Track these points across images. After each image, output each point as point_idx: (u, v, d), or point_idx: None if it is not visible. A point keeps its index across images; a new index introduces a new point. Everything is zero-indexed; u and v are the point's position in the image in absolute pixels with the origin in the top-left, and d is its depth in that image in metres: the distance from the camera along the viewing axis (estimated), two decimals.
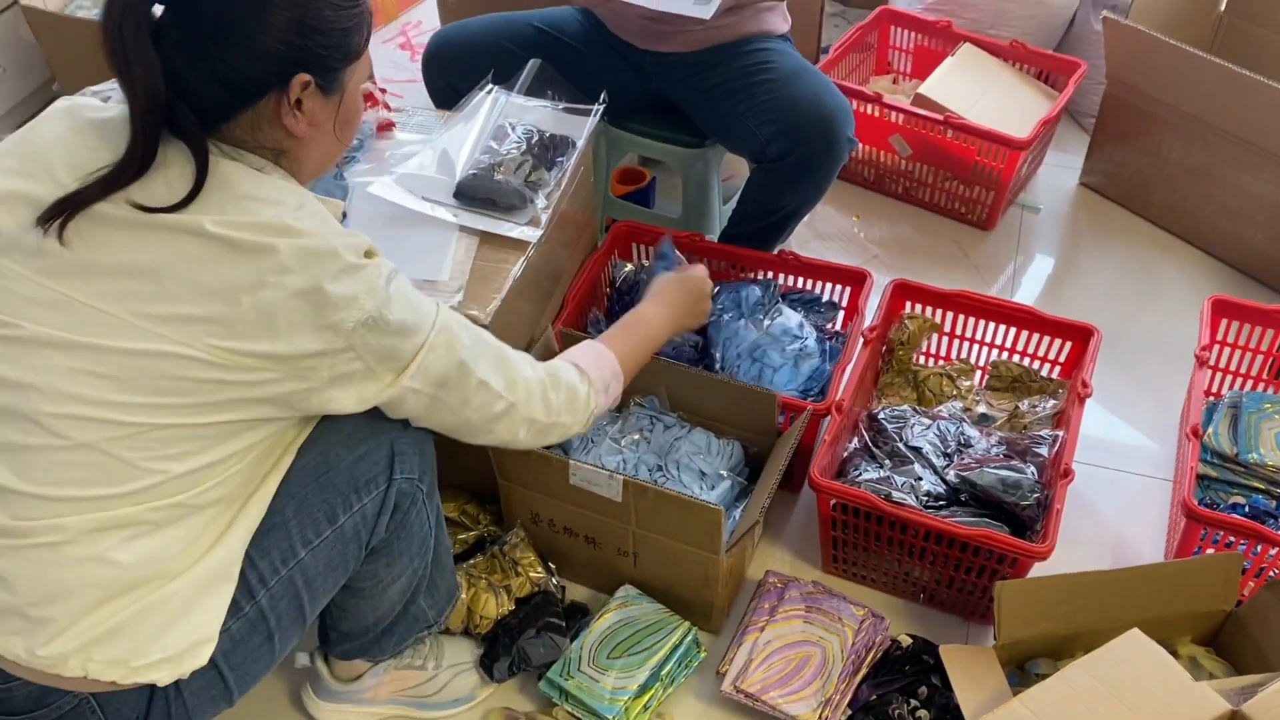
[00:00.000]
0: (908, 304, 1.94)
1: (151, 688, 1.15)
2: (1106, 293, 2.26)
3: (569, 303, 1.87)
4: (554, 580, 1.73)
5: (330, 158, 1.25)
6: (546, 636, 1.63)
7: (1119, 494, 1.87)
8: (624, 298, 2.01)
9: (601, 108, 1.86)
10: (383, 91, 1.92)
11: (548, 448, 1.56)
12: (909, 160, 2.40)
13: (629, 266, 2.03)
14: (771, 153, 1.90)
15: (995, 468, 1.63)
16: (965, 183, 2.35)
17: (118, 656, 1.10)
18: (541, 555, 1.74)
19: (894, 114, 2.33)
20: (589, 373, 1.37)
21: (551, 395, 1.31)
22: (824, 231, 2.42)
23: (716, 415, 1.76)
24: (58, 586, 1.08)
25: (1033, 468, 1.64)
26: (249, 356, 1.08)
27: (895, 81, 2.63)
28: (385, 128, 1.87)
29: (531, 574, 1.69)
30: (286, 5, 1.09)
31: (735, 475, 1.72)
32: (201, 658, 1.15)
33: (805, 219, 2.39)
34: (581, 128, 1.85)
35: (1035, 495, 1.60)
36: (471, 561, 1.72)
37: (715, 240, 2.16)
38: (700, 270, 1.68)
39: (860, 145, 2.46)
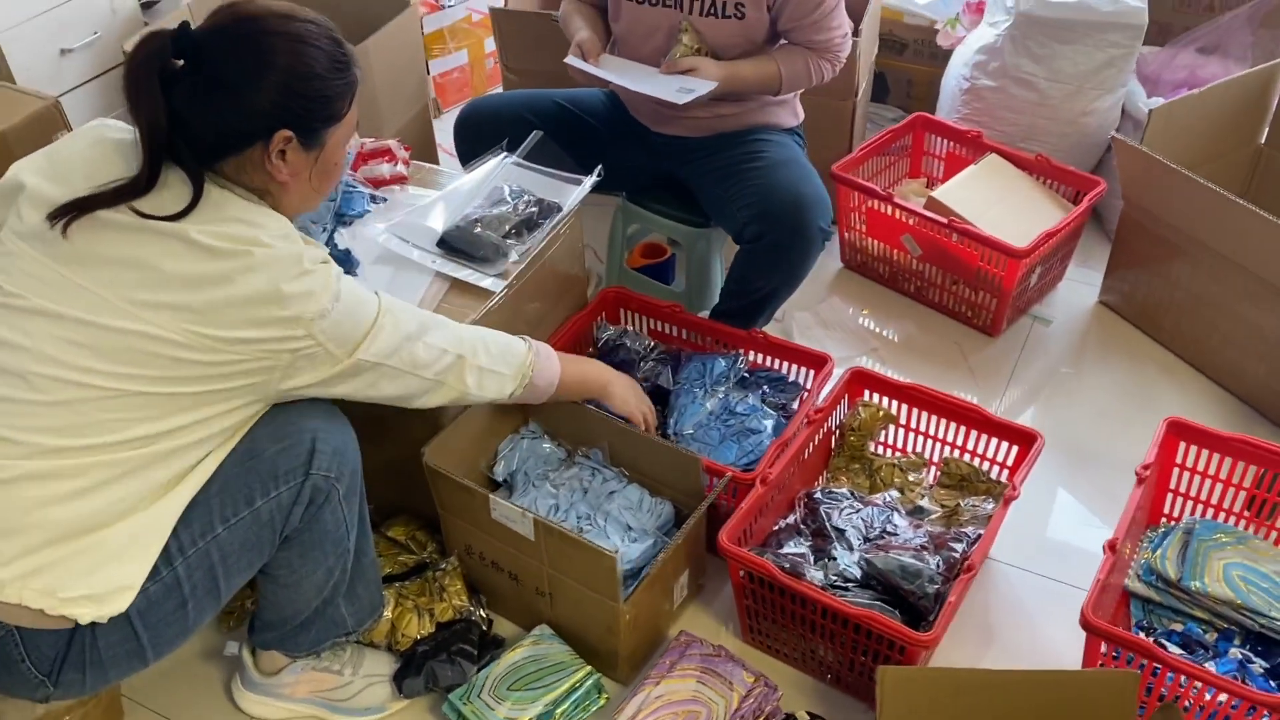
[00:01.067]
0: (866, 392, 1.98)
1: (71, 632, 1.30)
2: (1100, 410, 2.24)
3: None
4: (481, 611, 1.83)
5: (309, 202, 1.46)
6: (457, 661, 1.72)
7: (1052, 601, 1.85)
8: (605, 359, 2.11)
9: (593, 180, 1.99)
10: (407, 149, 2.12)
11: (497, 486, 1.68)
12: (919, 260, 2.45)
13: (611, 329, 2.14)
14: (748, 235, 2.00)
15: (901, 555, 1.65)
16: (971, 287, 2.38)
17: (48, 587, 1.27)
18: (471, 585, 1.84)
19: (904, 214, 2.39)
20: (532, 344, 1.62)
21: (491, 342, 1.55)
22: (829, 319, 2.48)
23: (652, 474, 1.84)
24: (12, 524, 1.26)
25: (941, 560, 1.65)
26: (219, 341, 1.29)
27: (928, 186, 2.69)
28: (398, 180, 2.05)
29: (455, 601, 1.79)
30: (281, 71, 1.31)
31: (661, 534, 1.79)
32: (121, 604, 1.31)
33: (813, 306, 2.48)
34: (573, 193, 1.99)
35: (934, 586, 1.61)
36: (405, 582, 1.83)
37: (707, 315, 2.26)
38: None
39: (875, 242, 2.52)
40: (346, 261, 1.81)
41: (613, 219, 2.44)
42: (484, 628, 1.81)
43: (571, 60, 2.06)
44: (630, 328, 2.16)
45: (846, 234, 2.58)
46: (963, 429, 1.93)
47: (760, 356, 2.08)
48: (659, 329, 2.17)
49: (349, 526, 1.52)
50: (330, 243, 1.84)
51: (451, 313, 1.76)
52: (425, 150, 2.77)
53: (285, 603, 1.59)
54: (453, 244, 1.86)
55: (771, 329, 2.39)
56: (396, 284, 1.82)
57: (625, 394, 1.81)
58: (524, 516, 1.65)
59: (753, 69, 2.04)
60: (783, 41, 2.09)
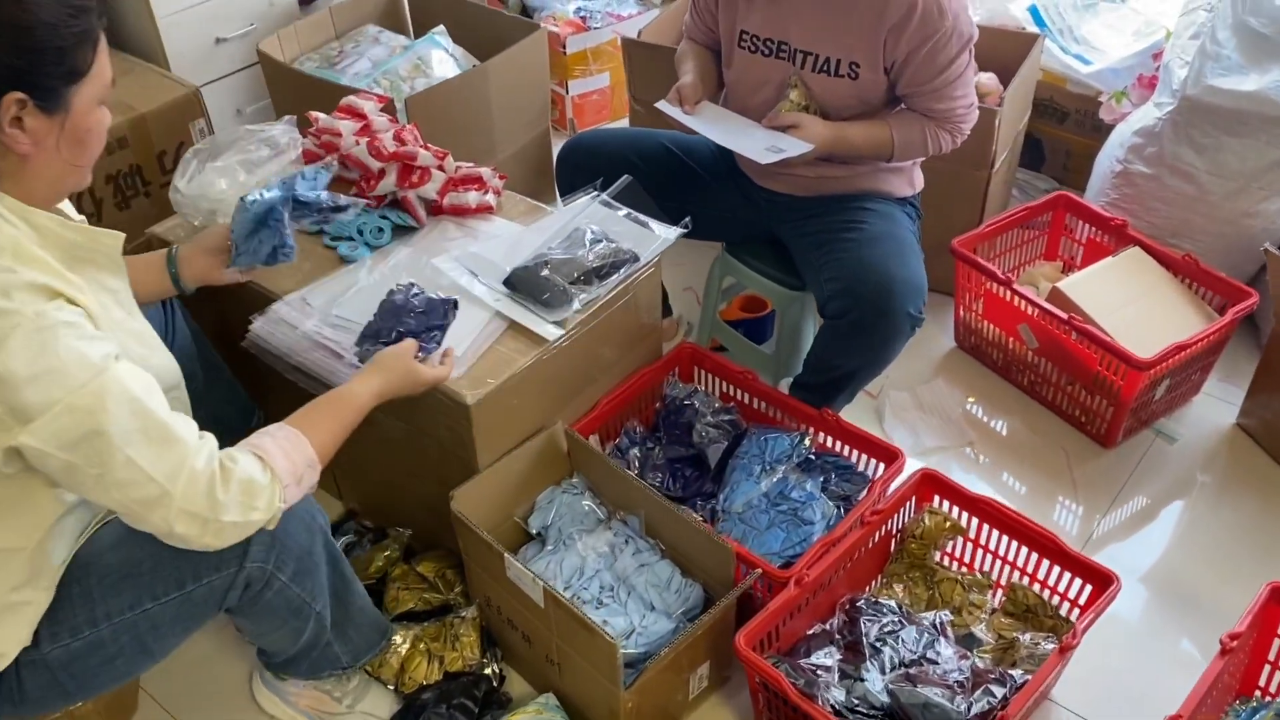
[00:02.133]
0: (935, 498, 1.82)
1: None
2: (1212, 550, 2.00)
3: (600, 407, 1.92)
4: (494, 666, 1.77)
5: (65, 179, 1.25)
6: (455, 716, 1.67)
7: None
8: (671, 417, 2.03)
9: (678, 233, 1.91)
10: (501, 178, 2.08)
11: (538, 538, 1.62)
12: (1035, 354, 2.25)
13: (681, 388, 2.04)
14: (830, 309, 1.88)
15: (932, 690, 1.50)
16: (1088, 391, 2.17)
17: None
18: (487, 637, 1.78)
19: (1023, 302, 2.21)
20: (275, 465, 1.29)
21: (220, 492, 1.23)
22: (928, 403, 2.31)
23: (686, 553, 1.74)
24: None
25: (975, 705, 1.49)
26: None
27: (1064, 270, 2.48)
28: (484, 210, 2.01)
29: (466, 654, 1.74)
30: None
31: (685, 618, 1.69)
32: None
33: (914, 386, 2.32)
34: (655, 244, 1.91)
35: None
36: (424, 625, 1.79)
37: (789, 384, 2.14)
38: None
39: (991, 326, 2.34)
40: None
41: (710, 268, 2.34)
42: (494, 683, 1.76)
43: (664, 105, 1.98)
44: (701, 388, 2.06)
45: (962, 313, 2.41)
46: (1034, 555, 1.74)
47: (829, 439, 1.95)
48: (731, 393, 2.06)
49: (308, 599, 1.48)
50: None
51: (501, 357, 1.71)
52: (543, 173, 2.74)
53: (264, 642, 1.59)
54: (518, 284, 1.81)
55: (861, 405, 2.26)
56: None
57: (398, 389, 1.53)
58: (535, 583, 1.58)
59: (863, 133, 1.92)
60: (902, 106, 1.95)
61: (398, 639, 1.75)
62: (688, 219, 1.92)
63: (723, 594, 1.70)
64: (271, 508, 1.29)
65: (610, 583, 1.72)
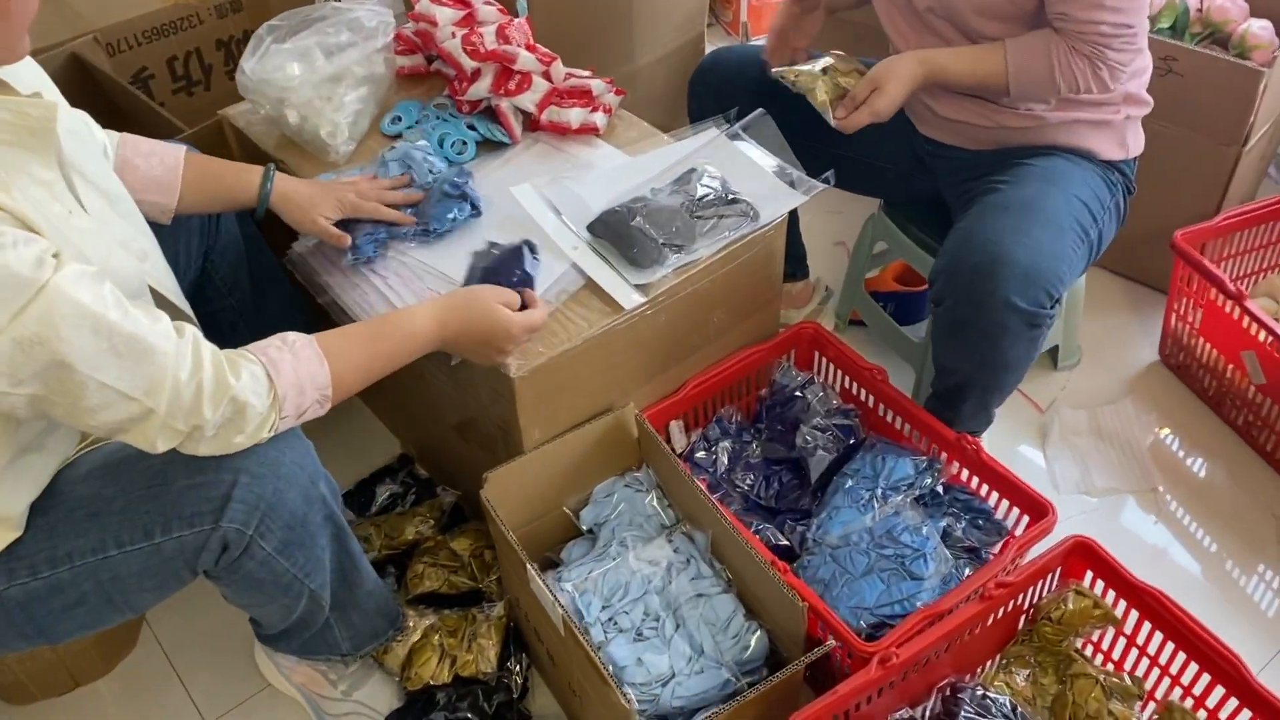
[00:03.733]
0: (1088, 574, 1.42)
1: None
2: None
3: (687, 389, 1.60)
4: (518, 677, 1.51)
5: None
6: None
7: None
8: (777, 409, 1.68)
9: (817, 188, 1.54)
10: (618, 93, 1.74)
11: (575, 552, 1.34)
12: (1259, 390, 1.77)
13: (796, 376, 1.69)
14: (932, 294, 1.48)
15: None
16: None
17: None
18: (509, 645, 1.52)
19: (1253, 324, 1.72)
20: (281, 390, 1.12)
21: (208, 408, 1.06)
22: (1109, 428, 1.87)
23: (756, 591, 1.41)
24: None
25: None
26: None
27: None
28: (587, 132, 1.68)
29: (481, 660, 1.49)
30: None
31: (740, 670, 1.37)
32: None
33: (1096, 403, 1.88)
34: (782, 201, 1.54)
35: None
36: (445, 613, 1.54)
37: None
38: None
39: (1207, 345, 1.85)
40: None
41: (863, 226, 1.94)
42: (514, 694, 1.50)
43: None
44: (819, 378, 1.70)
45: (1174, 323, 1.93)
46: (1206, 676, 1.33)
47: (965, 471, 1.56)
48: (854, 390, 1.69)
49: (299, 575, 1.25)
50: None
51: (570, 319, 1.40)
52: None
53: (251, 614, 1.37)
54: (603, 231, 1.49)
55: (1022, 417, 1.84)
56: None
57: (464, 352, 1.33)
58: (555, 606, 1.29)
59: (962, 59, 1.51)
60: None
61: (410, 623, 1.51)
62: (830, 173, 1.54)
63: (792, 650, 1.37)
64: (256, 437, 1.12)
65: (658, 610, 1.41)
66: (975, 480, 1.55)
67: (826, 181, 1.54)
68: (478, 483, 1.55)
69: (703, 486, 1.43)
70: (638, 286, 1.44)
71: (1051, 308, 1.41)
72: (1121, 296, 2.12)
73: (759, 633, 1.39)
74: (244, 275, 1.65)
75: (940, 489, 1.54)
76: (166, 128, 1.83)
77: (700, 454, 1.64)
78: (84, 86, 2.01)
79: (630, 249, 1.45)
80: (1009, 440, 1.85)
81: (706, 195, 1.52)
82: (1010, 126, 1.57)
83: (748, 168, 1.60)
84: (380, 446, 1.89)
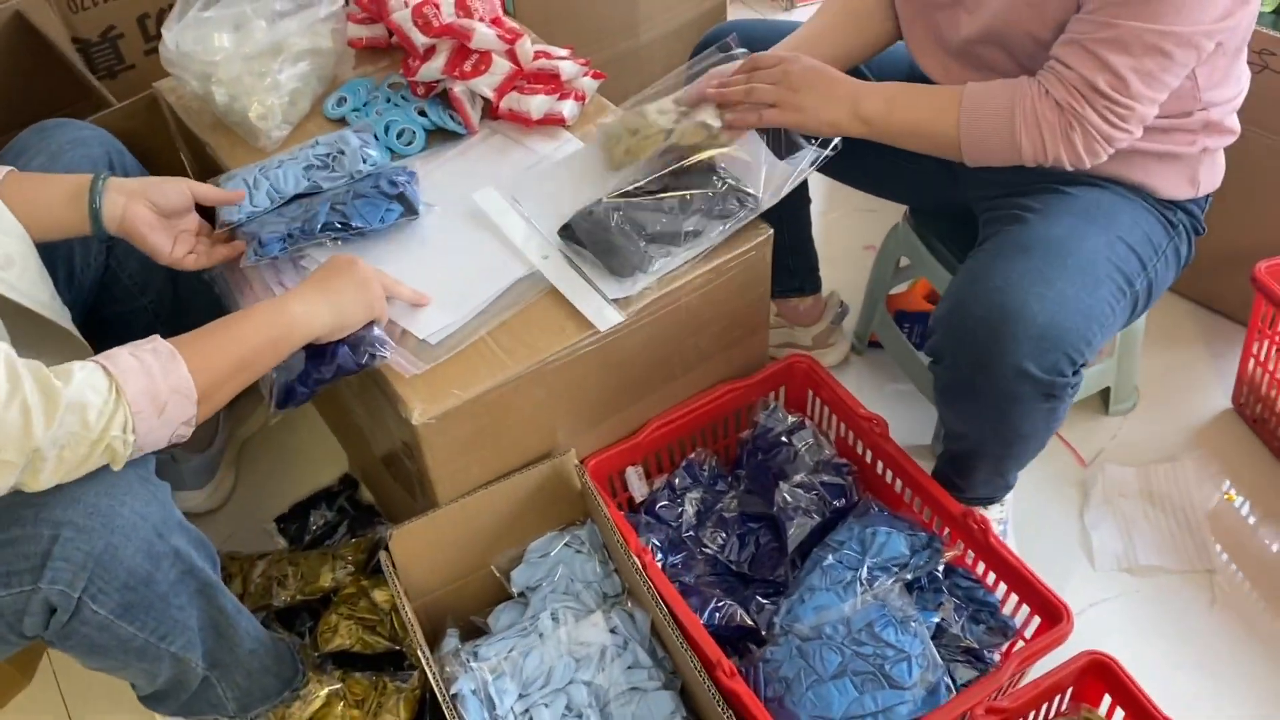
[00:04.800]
0: (1105, 699, 1.16)
1: None
2: None
3: (648, 430, 1.36)
4: None
5: None
6: None
7: None
8: (759, 455, 1.44)
9: (817, 159, 1.28)
10: (593, 75, 1.49)
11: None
12: None
13: (781, 419, 1.44)
14: (929, 347, 1.21)
15: None
16: None
17: None
18: (432, 712, 1.32)
19: None
20: (124, 380, 0.95)
21: (39, 427, 0.89)
22: (1163, 492, 1.58)
23: (694, 693, 1.18)
24: None
25: None
26: None
27: None
28: (551, 123, 1.44)
29: None
30: None
31: None
32: None
33: (1150, 460, 1.60)
34: (778, 185, 1.30)
35: None
36: (360, 675, 1.35)
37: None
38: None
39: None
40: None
41: (885, 240, 1.67)
42: None
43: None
44: (812, 422, 1.45)
45: (1251, 367, 1.62)
46: None
47: (967, 551, 1.30)
48: (849, 440, 1.43)
49: (152, 639, 1.07)
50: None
51: (519, 338, 1.19)
52: None
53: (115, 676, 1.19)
54: (580, 233, 1.26)
55: (1060, 471, 1.57)
56: (467, 270, 1.26)
57: (343, 312, 1.14)
58: (449, 707, 1.09)
59: (901, 99, 1.24)
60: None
61: (313, 685, 1.32)
62: (838, 141, 1.27)
63: None
64: (113, 446, 0.95)
65: (582, 705, 1.20)
66: (981, 565, 1.29)
67: (836, 148, 1.28)
68: (406, 517, 1.35)
69: (641, 560, 1.20)
70: (614, 302, 1.21)
71: (1075, 374, 1.14)
72: (1192, 327, 1.81)
73: None
74: (158, 273, 1.46)
75: (938, 572, 1.28)
76: (97, 103, 1.65)
77: (663, 505, 1.41)
78: (31, 51, 1.83)
79: (608, 254, 1.23)
80: (1041, 496, 1.58)
81: (694, 180, 1.28)
82: None
83: (753, 148, 1.34)
84: (331, 463, 1.70)
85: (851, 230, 2.02)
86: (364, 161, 1.36)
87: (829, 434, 1.44)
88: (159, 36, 2.03)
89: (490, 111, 1.47)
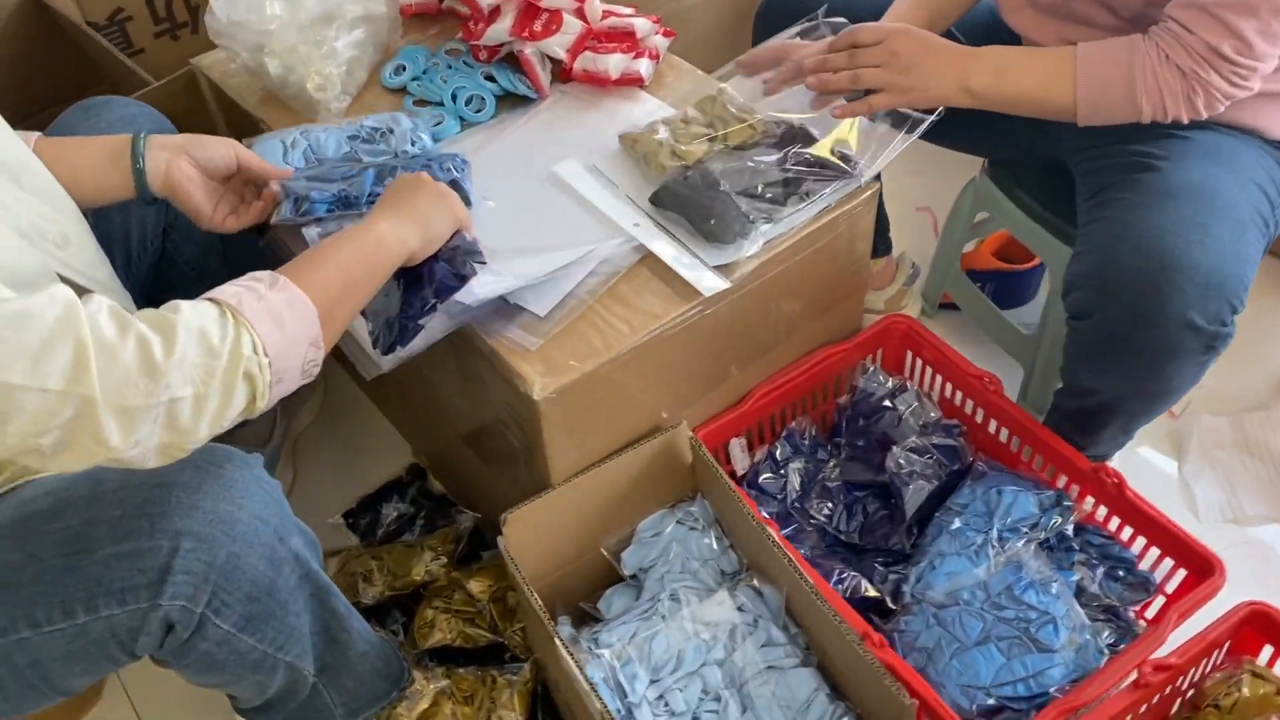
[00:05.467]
0: (1266, 649, 1.12)
1: None
2: None
3: (754, 399, 1.30)
4: None
5: None
6: None
7: None
8: (859, 420, 1.39)
9: (924, 123, 1.23)
10: (667, 34, 1.43)
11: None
12: None
13: (882, 381, 1.39)
14: (1071, 302, 1.15)
15: None
16: None
17: None
18: (536, 716, 1.26)
19: None
20: (239, 305, 0.86)
21: (160, 352, 0.79)
22: (1258, 441, 1.54)
23: (843, 668, 1.13)
24: None
25: None
26: None
27: None
28: (630, 83, 1.38)
29: None
30: None
31: None
32: None
33: (1248, 407, 1.57)
34: (883, 147, 1.25)
35: None
36: (464, 671, 1.28)
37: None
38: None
39: None
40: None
41: (961, 192, 1.62)
42: None
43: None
44: (913, 383, 1.40)
45: None
46: None
47: (1098, 507, 1.25)
48: (955, 398, 1.38)
49: (270, 650, 1.00)
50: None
51: (621, 314, 1.12)
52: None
53: (222, 691, 1.11)
54: (671, 200, 1.19)
55: (1152, 426, 1.52)
56: (558, 241, 1.19)
57: (429, 225, 1.07)
58: (590, 695, 1.02)
59: (1015, 66, 1.19)
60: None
61: (418, 684, 1.24)
62: (942, 108, 1.23)
63: None
64: (229, 350, 0.84)
65: (718, 687, 1.14)
66: (1113, 521, 1.24)
67: (940, 114, 1.23)
68: (498, 504, 1.29)
69: (776, 534, 1.14)
70: (717, 269, 1.15)
71: (1232, 323, 1.09)
72: (1272, 274, 1.78)
73: (846, 718, 1.11)
74: (215, 258, 1.38)
75: (1068, 530, 1.24)
76: (131, 81, 1.55)
77: (766, 477, 1.35)
78: (48, 33, 1.73)
79: (706, 220, 1.16)
80: (1134, 451, 1.54)
81: (793, 146, 1.22)
82: None
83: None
84: (391, 453, 1.62)
85: (901, 193, 1.96)
86: (412, 144, 1.28)
87: (931, 396, 1.39)
88: (170, 19, 1.98)
89: (561, 73, 1.40)
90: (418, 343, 1.09)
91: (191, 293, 1.36)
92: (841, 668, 1.12)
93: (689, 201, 1.19)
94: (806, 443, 1.38)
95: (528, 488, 1.21)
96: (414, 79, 1.42)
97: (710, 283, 1.15)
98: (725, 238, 1.17)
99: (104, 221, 1.22)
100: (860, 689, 1.09)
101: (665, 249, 1.18)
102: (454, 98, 1.37)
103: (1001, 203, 1.51)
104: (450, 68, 1.42)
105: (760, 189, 1.20)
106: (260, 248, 1.30)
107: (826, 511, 1.35)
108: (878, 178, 1.27)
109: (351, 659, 1.12)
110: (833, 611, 1.07)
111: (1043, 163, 1.45)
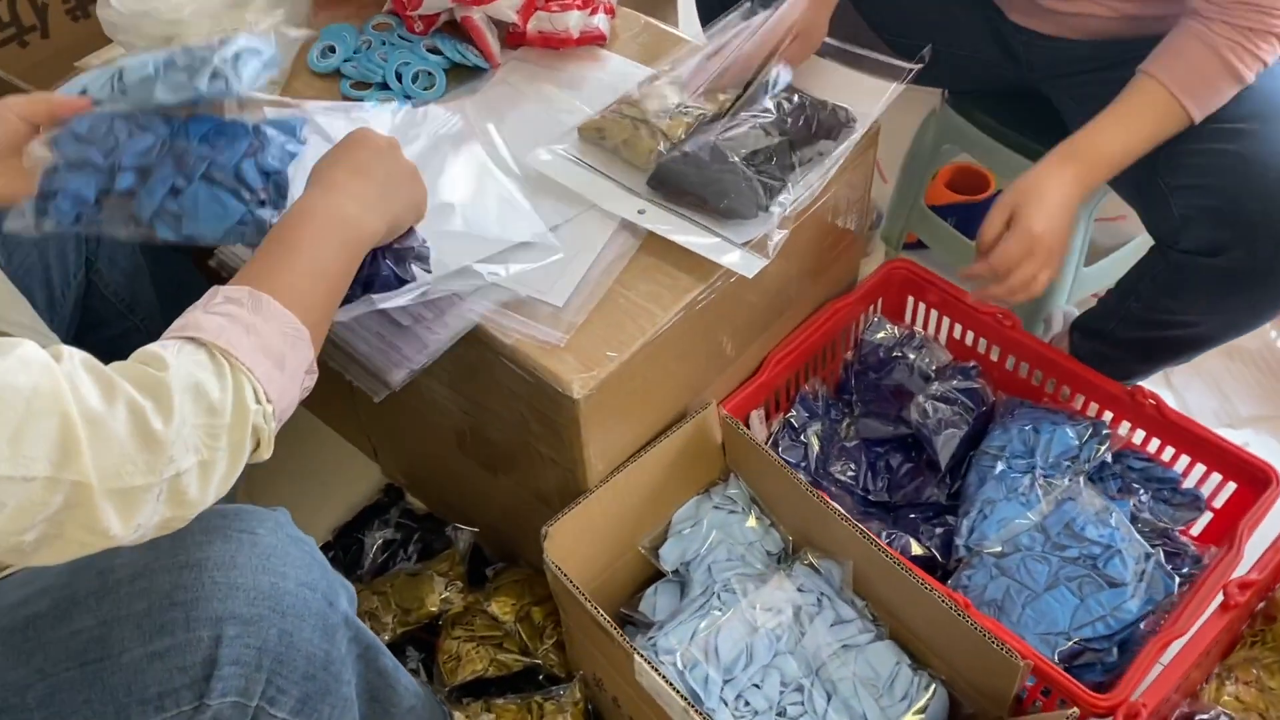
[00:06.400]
0: None
1: None
2: None
3: (769, 368, 1.23)
4: None
5: None
6: None
7: None
8: (869, 374, 1.33)
9: (913, 70, 1.17)
10: None
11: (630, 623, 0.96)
12: None
13: (889, 330, 1.33)
14: (1188, 241, 1.11)
15: None
16: None
17: None
18: None
19: None
20: (226, 342, 0.71)
21: (157, 421, 0.66)
22: (1236, 346, 1.56)
23: (920, 633, 1.07)
24: None
25: None
26: None
27: None
28: (591, 40, 1.27)
29: None
30: None
31: None
32: None
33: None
34: (874, 99, 1.17)
35: None
36: (503, 700, 1.16)
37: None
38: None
39: None
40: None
41: (919, 128, 1.58)
42: None
43: None
44: (920, 330, 1.35)
45: None
46: None
47: (1134, 432, 1.23)
48: (965, 341, 1.34)
49: None
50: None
51: (634, 301, 1.02)
52: None
53: None
54: (671, 178, 1.09)
55: None
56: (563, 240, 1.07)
57: (396, 207, 0.88)
58: (688, 713, 0.93)
59: (1129, 130, 1.10)
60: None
61: None
62: (927, 48, 1.18)
63: (976, 705, 1.04)
64: (231, 406, 0.70)
65: (797, 676, 1.06)
66: (1152, 443, 1.22)
67: (922, 60, 1.18)
68: (496, 514, 1.18)
69: (821, 497, 1.07)
70: (743, 246, 1.06)
71: None
72: None
73: (934, 686, 1.05)
74: (145, 286, 1.21)
75: (1108, 458, 1.21)
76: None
77: (786, 446, 1.28)
78: None
79: (722, 197, 1.06)
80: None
81: (788, 106, 1.13)
82: (1143, 16, 1.19)
83: (818, 63, 1.22)
84: (355, 477, 1.48)
85: None
86: (223, 81, 0.84)
87: (938, 339, 1.34)
88: (15, 23, 1.75)
89: (508, 38, 1.28)
90: (427, 357, 0.97)
91: (123, 325, 1.21)
92: (925, 635, 1.06)
93: (697, 180, 1.08)
94: (820, 404, 1.32)
95: (545, 491, 1.10)
96: (346, 60, 1.27)
97: (747, 263, 1.05)
98: (747, 213, 1.08)
99: (18, 258, 1.05)
100: (955, 656, 1.03)
101: (683, 235, 1.07)
102: (398, 76, 1.24)
103: (968, 132, 1.47)
104: (385, 44, 1.28)
105: (768, 155, 1.10)
106: (208, 267, 1.14)
107: (851, 473, 1.29)
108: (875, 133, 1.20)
109: (399, 715, 1.00)
110: (919, 578, 1.00)
111: (1010, 90, 1.41)
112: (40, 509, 0.63)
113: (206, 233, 0.86)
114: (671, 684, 0.95)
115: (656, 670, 0.95)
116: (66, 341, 0.98)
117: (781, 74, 1.15)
